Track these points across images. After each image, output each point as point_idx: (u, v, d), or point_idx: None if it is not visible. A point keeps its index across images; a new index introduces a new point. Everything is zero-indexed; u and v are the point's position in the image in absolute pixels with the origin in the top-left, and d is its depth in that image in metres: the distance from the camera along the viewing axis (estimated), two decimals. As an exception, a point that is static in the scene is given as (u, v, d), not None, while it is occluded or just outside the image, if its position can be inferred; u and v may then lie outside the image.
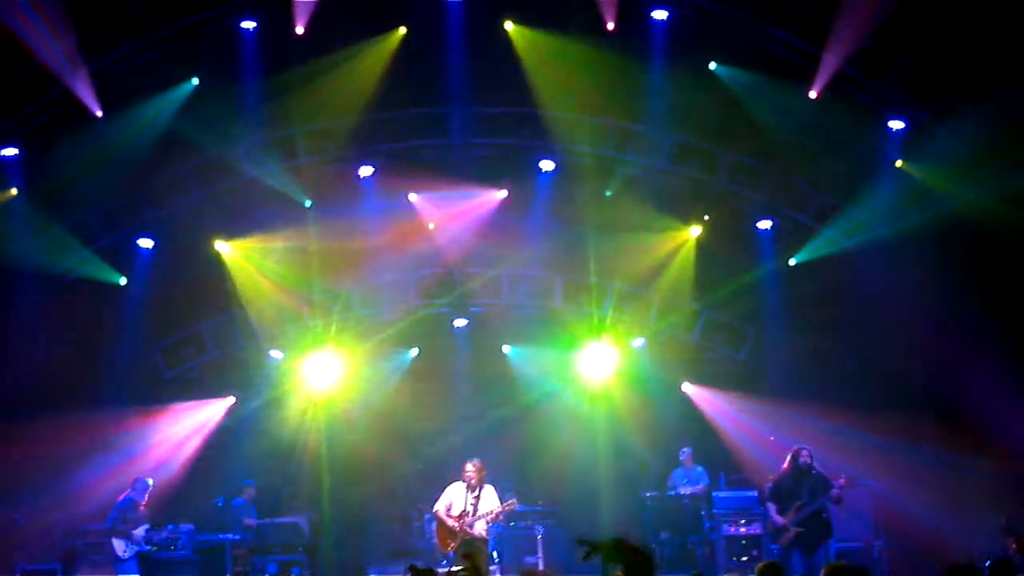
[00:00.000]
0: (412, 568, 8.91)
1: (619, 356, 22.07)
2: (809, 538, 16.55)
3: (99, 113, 18.87)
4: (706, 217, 21.49)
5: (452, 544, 16.34)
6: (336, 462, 21.53)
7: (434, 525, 17.21)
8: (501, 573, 18.00)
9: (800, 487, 16.74)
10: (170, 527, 18.82)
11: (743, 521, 19.29)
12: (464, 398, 21.92)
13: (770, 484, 17.63)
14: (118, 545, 17.69)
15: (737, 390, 21.19)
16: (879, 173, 19.89)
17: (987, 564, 11.03)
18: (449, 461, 18.87)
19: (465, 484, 16.50)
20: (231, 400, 21.62)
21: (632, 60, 19.60)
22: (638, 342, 22.37)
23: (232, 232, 20.97)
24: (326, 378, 21.71)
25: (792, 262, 21.10)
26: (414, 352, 22.44)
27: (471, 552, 15.51)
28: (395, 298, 22.15)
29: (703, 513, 19.78)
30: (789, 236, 21.19)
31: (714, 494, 19.88)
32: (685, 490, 20.18)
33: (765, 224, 21.33)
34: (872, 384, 19.89)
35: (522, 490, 19.65)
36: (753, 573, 10.95)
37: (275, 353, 21.98)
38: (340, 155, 20.94)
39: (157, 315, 20.96)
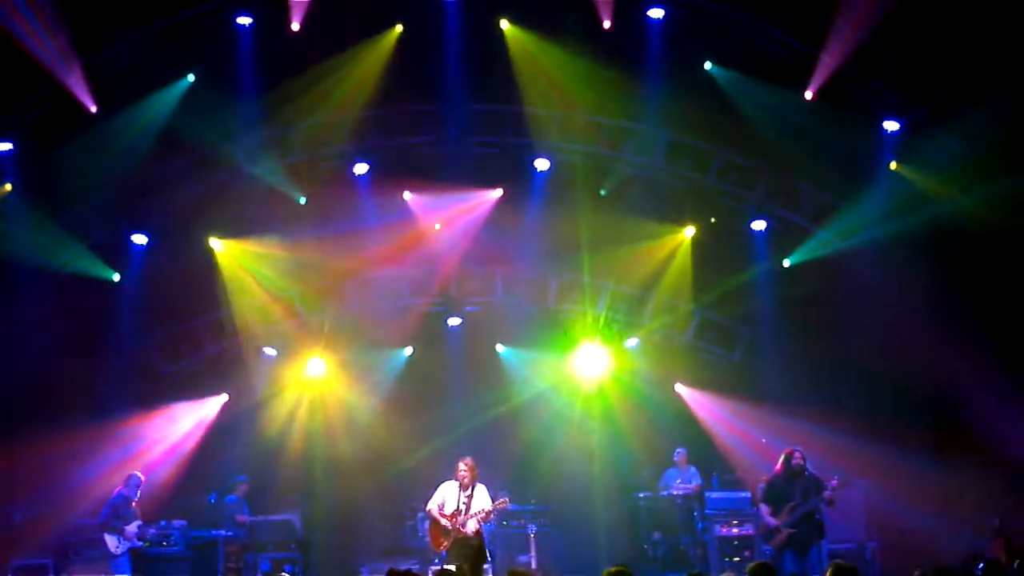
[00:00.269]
0: (391, 572, 8.95)
1: (613, 356, 22.13)
2: (801, 539, 16.58)
3: (94, 109, 18.85)
4: (712, 219, 21.49)
5: (444, 543, 16.31)
6: (329, 460, 21.58)
7: (427, 524, 17.21)
8: (493, 572, 18.01)
9: (793, 488, 16.77)
10: (162, 523, 18.85)
11: (735, 522, 19.32)
12: (457, 397, 21.89)
13: (763, 485, 17.67)
14: (110, 541, 17.64)
15: (730, 391, 21.16)
16: (874, 174, 19.89)
17: (980, 567, 11.09)
18: (442, 460, 18.87)
19: (458, 483, 16.48)
20: (224, 397, 21.57)
21: (627, 59, 19.60)
22: (632, 342, 22.37)
23: (226, 228, 20.96)
24: (319, 376, 21.81)
25: (786, 263, 21.09)
26: (408, 351, 22.41)
27: (467, 553, 15.56)
28: (388, 296, 22.10)
29: (696, 513, 19.78)
30: (783, 237, 21.20)
31: (707, 495, 19.91)
32: (678, 490, 20.18)
33: (759, 225, 21.32)
34: (865, 385, 19.94)
35: (515, 489, 19.68)
36: (745, 574, 10.98)
37: (269, 350, 21.95)
38: (335, 152, 20.95)
39: (151, 312, 20.94)
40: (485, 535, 16.57)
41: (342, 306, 22.05)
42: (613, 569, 9.89)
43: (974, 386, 18.53)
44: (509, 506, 17.33)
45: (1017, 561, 14.22)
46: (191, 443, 21.03)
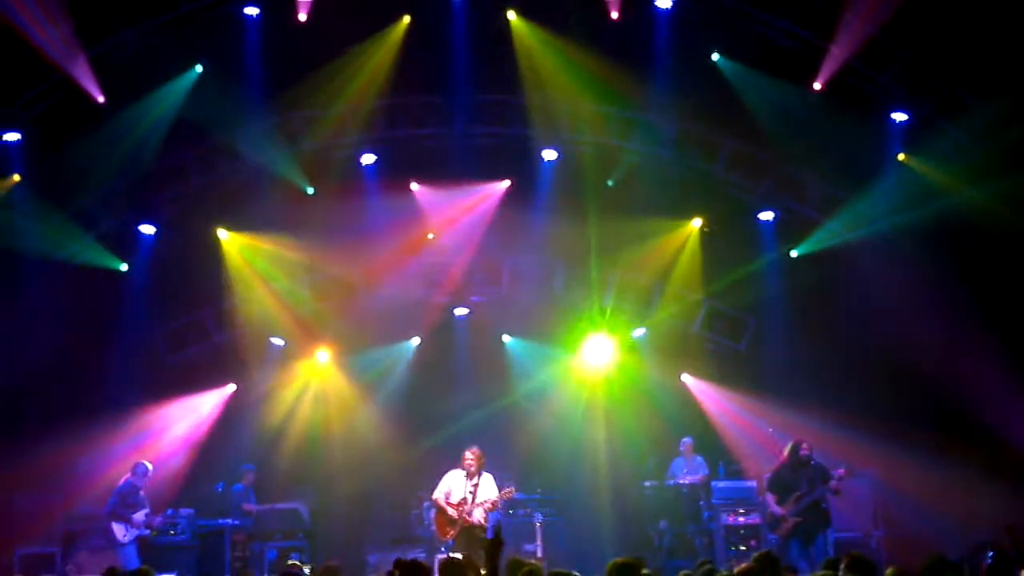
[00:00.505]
0: (397, 562, 8.96)
1: (619, 346, 22.14)
2: (807, 528, 16.66)
3: (101, 99, 18.89)
4: (716, 213, 21.47)
5: (451, 532, 16.39)
6: (335, 449, 21.60)
7: (433, 512, 17.25)
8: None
9: (799, 478, 16.84)
10: (169, 512, 18.87)
11: (742, 511, 19.33)
12: (464, 387, 21.86)
13: (768, 475, 17.72)
14: (118, 529, 17.65)
15: (737, 381, 21.16)
16: (882, 166, 19.89)
17: (990, 555, 11.08)
18: (448, 449, 18.91)
19: (464, 472, 16.56)
20: (232, 387, 21.61)
21: (635, 49, 19.61)
22: (639, 332, 22.36)
23: (234, 219, 20.96)
24: (326, 366, 21.87)
25: (794, 254, 21.07)
26: (415, 341, 22.42)
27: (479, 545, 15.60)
28: (395, 287, 22.11)
29: (702, 503, 19.78)
30: (791, 227, 21.18)
31: (713, 484, 19.90)
32: (684, 479, 20.19)
33: (767, 215, 21.31)
34: (871, 376, 19.91)
35: (521, 478, 19.70)
36: (752, 562, 11.00)
37: (276, 340, 21.97)
38: (343, 143, 20.96)
39: (159, 301, 20.94)
40: (491, 524, 16.61)
41: (349, 296, 22.02)
42: (621, 560, 9.89)
43: (981, 378, 18.51)
44: (515, 495, 17.34)
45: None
46: (199, 433, 21.05)
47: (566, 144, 21.20)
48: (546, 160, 21.25)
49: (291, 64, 19.63)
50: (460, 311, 22.58)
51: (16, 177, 19.28)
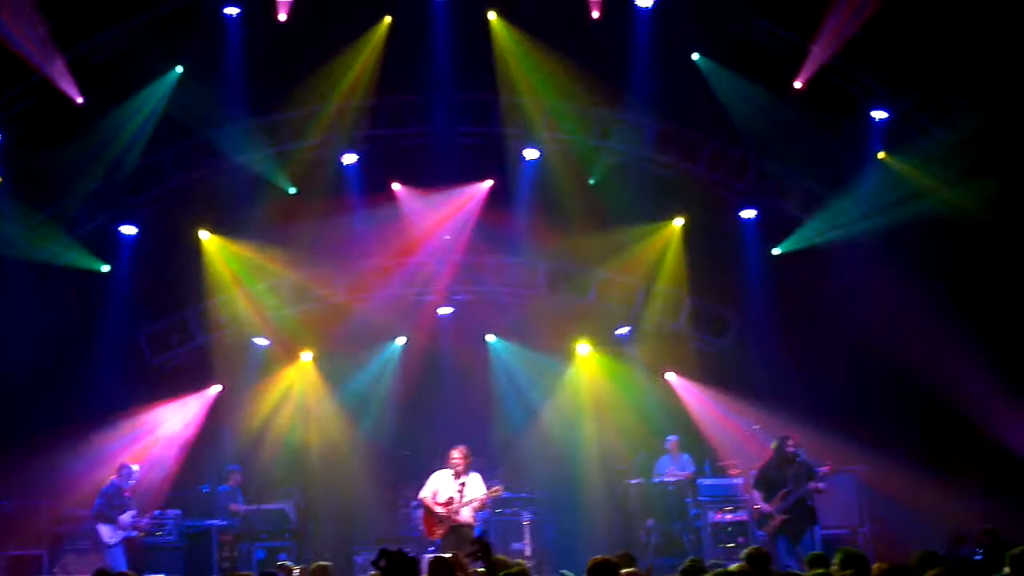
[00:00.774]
0: (383, 552, 8.97)
1: (603, 344, 22.19)
2: (794, 525, 16.73)
3: (79, 100, 18.82)
4: (692, 211, 21.56)
5: (439, 531, 16.39)
6: (322, 449, 21.59)
7: (420, 512, 17.25)
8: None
9: (785, 475, 16.92)
10: (156, 513, 18.81)
11: (729, 508, 19.40)
12: (449, 385, 21.89)
13: (755, 472, 17.81)
14: (104, 531, 17.58)
15: (721, 378, 21.22)
16: (863, 164, 20.01)
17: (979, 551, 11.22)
18: (435, 448, 18.93)
19: (451, 471, 16.56)
20: (217, 388, 21.56)
21: (616, 48, 19.68)
22: (623, 330, 22.43)
23: (216, 219, 20.93)
24: (311, 366, 21.90)
25: (776, 251, 21.17)
26: (401, 341, 22.42)
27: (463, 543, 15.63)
28: (378, 285, 22.12)
29: (688, 500, 19.85)
30: (773, 225, 21.27)
31: (699, 481, 19.96)
32: (670, 477, 20.25)
33: (749, 213, 21.40)
34: (856, 373, 19.98)
35: (509, 477, 19.73)
36: (739, 559, 11.07)
37: (260, 340, 21.93)
38: (325, 142, 20.94)
39: (141, 302, 20.88)
40: (479, 522, 16.64)
41: (332, 296, 21.99)
42: (600, 558, 9.96)
43: (964, 377, 18.62)
44: (503, 494, 17.37)
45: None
46: (184, 434, 20.99)
47: (547, 143, 21.23)
48: (528, 159, 21.26)
49: (272, 64, 19.63)
50: (444, 310, 22.56)
51: (-2, 178, 19.20)
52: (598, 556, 10.07)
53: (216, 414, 21.43)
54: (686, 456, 20.69)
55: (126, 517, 17.72)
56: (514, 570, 10.14)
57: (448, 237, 21.77)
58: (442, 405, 21.57)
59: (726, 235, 21.50)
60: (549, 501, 20.69)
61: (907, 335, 18.92)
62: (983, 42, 18.17)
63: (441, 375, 22.03)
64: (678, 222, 21.55)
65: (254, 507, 20.00)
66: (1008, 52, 18.19)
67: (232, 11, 19.48)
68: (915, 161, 19.58)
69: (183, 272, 20.98)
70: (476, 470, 16.77)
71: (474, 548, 10.01)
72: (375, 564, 8.94)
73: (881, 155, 19.90)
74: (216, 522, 19.56)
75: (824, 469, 16.94)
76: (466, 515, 16.39)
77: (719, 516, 19.36)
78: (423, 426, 21.30)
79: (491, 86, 20.45)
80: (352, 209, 21.38)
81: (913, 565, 10.09)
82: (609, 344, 22.34)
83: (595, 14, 19.52)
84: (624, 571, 10.60)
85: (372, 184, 21.27)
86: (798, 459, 17.00)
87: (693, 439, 21.18)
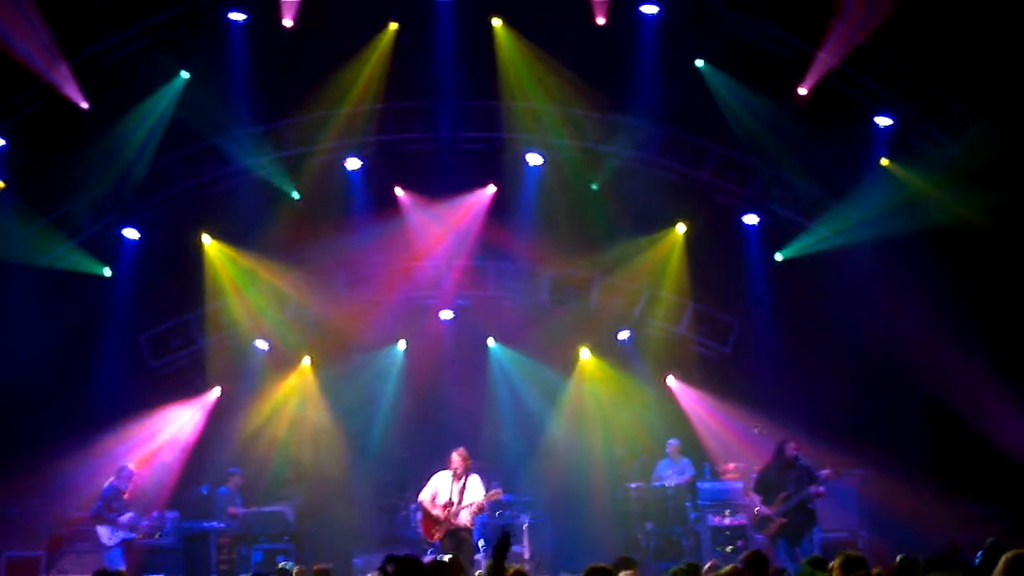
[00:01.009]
0: (389, 557, 8.94)
1: (605, 348, 22.16)
2: (794, 528, 16.70)
3: (85, 106, 18.85)
4: (695, 216, 21.54)
5: (438, 534, 16.39)
6: (321, 451, 21.55)
7: (419, 514, 17.23)
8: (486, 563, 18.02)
9: (785, 478, 16.90)
10: (155, 515, 18.86)
11: (728, 512, 19.37)
12: (449, 389, 21.86)
13: (755, 475, 17.79)
14: (103, 532, 17.59)
15: (722, 383, 21.21)
16: (867, 170, 19.99)
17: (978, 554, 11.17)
18: (434, 450, 18.93)
19: (451, 473, 16.56)
20: (217, 391, 21.56)
21: (621, 54, 19.69)
22: (624, 334, 22.40)
23: (218, 223, 20.92)
24: (311, 369, 21.92)
25: (779, 257, 21.14)
26: (402, 345, 22.41)
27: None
28: (380, 290, 22.12)
29: (688, 504, 19.80)
30: (776, 231, 21.24)
31: (699, 485, 19.93)
32: (670, 481, 20.21)
33: (752, 219, 21.37)
34: (857, 378, 19.96)
35: (508, 480, 19.72)
36: (739, 563, 11.02)
37: (260, 344, 21.93)
38: (329, 148, 20.95)
39: (143, 306, 20.86)
40: (477, 526, 16.62)
41: (334, 301, 21.99)
42: (597, 566, 9.93)
43: (968, 383, 18.61)
44: (502, 496, 17.37)
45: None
46: (185, 437, 21.01)
47: (551, 149, 21.22)
48: (531, 165, 21.25)
49: (278, 70, 19.65)
50: (445, 314, 22.55)
51: (1, 184, 19.18)
52: (595, 564, 10.01)
53: (216, 417, 21.41)
54: (686, 460, 20.65)
55: (125, 519, 17.73)
56: (510, 572, 10.10)
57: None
58: (442, 409, 21.56)
59: (729, 240, 21.49)
60: (548, 504, 20.66)
61: (909, 343, 18.88)
62: (989, 49, 18.13)
63: (442, 379, 21.97)
64: (681, 228, 21.52)
65: (253, 509, 19.99)
66: (1014, 60, 18.15)
67: (238, 17, 19.47)
68: (919, 168, 19.54)
69: (185, 276, 20.99)
70: (476, 473, 16.76)
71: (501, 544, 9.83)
72: (382, 571, 8.93)
73: (884, 162, 19.85)
74: (215, 524, 19.55)
75: (825, 473, 16.90)
76: (465, 518, 16.38)
77: (718, 520, 19.34)
78: (423, 429, 21.30)
79: (495, 92, 20.44)
80: (355, 214, 21.33)
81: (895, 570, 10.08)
82: (611, 349, 22.30)
83: (600, 20, 19.50)
84: (622, 574, 10.59)
85: (376, 189, 21.27)
86: (798, 463, 16.96)
87: (693, 443, 21.13)
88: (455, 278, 22.17)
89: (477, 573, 13.66)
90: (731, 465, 20.22)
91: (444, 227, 21.70)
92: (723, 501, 19.53)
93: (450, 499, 16.40)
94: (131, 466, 18.31)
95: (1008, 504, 18.03)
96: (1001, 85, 18.43)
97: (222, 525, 19.62)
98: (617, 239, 21.43)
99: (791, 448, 16.98)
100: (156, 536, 18.92)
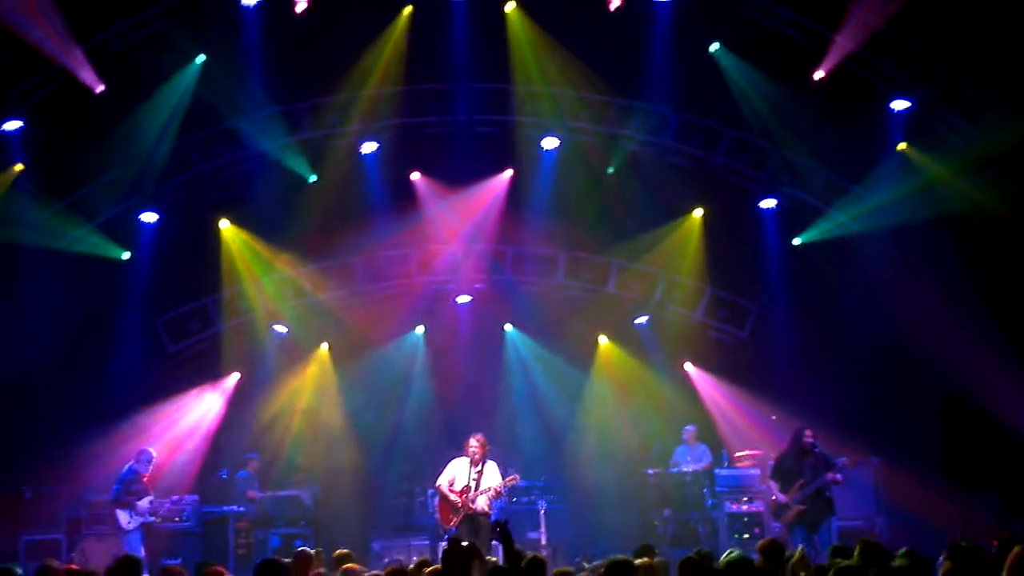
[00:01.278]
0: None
1: (623, 333, 22.15)
2: (811, 516, 16.69)
3: (100, 89, 18.84)
4: (712, 201, 21.49)
5: (454, 519, 16.41)
6: (339, 436, 21.60)
7: (436, 500, 17.27)
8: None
9: (802, 466, 16.89)
10: (174, 498, 18.90)
11: (745, 499, 19.39)
12: (466, 374, 21.89)
13: (772, 462, 17.78)
14: (122, 516, 17.66)
15: (739, 368, 21.20)
16: (884, 155, 19.90)
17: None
18: (452, 436, 18.94)
19: (468, 459, 16.58)
20: (237, 376, 21.61)
21: (636, 37, 19.62)
22: (641, 320, 22.38)
23: (236, 205, 20.93)
24: (330, 353, 21.94)
25: (797, 241, 21.08)
26: (420, 330, 22.41)
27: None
28: (398, 274, 22.13)
29: (705, 490, 19.82)
30: (793, 216, 21.18)
31: (716, 472, 19.95)
32: (687, 467, 20.22)
33: (769, 203, 21.31)
34: (875, 364, 19.94)
35: (525, 465, 19.74)
36: (755, 550, 11.04)
37: (279, 328, 21.96)
38: (345, 131, 20.93)
39: (161, 289, 20.88)
40: (495, 511, 16.65)
41: (352, 285, 22.00)
42: (620, 558, 9.93)
43: (985, 369, 18.55)
44: (519, 482, 17.39)
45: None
46: (206, 423, 21.08)
47: (567, 132, 21.17)
48: (547, 149, 21.22)
49: (294, 53, 19.60)
50: (463, 299, 22.54)
51: (19, 167, 19.21)
52: (616, 556, 10.00)
53: (234, 401, 21.47)
54: (703, 446, 20.67)
55: (144, 503, 17.79)
56: (527, 558, 10.13)
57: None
58: (459, 394, 21.56)
59: (746, 225, 21.45)
60: (566, 490, 20.73)
61: (926, 330, 18.80)
62: (1008, 34, 18.01)
63: (459, 364, 22.00)
64: (698, 212, 21.47)
65: (271, 494, 20.08)
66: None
67: (250, 1, 19.42)
68: (936, 154, 19.45)
69: (203, 259, 21.03)
70: (493, 459, 16.78)
71: (494, 534, 9.90)
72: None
73: (902, 146, 19.76)
74: (233, 508, 19.67)
75: (842, 461, 16.89)
76: (482, 503, 16.42)
77: (735, 507, 19.36)
78: (440, 415, 21.32)
79: (510, 76, 20.39)
80: (373, 199, 21.32)
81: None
82: (628, 334, 22.29)
83: (615, 3, 19.43)
84: (638, 561, 10.58)
85: (392, 174, 21.24)
86: (815, 450, 16.95)
87: (710, 430, 21.14)
88: (472, 263, 22.12)
89: (494, 560, 13.66)
90: (743, 452, 20.19)
91: (462, 214, 21.67)
92: (740, 488, 19.57)
93: (467, 484, 16.42)
94: (151, 450, 18.35)
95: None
96: (1020, 71, 18.31)
97: (240, 509, 19.74)
98: (634, 224, 21.35)
99: (807, 436, 16.96)
100: (175, 520, 18.97)
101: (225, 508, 19.67)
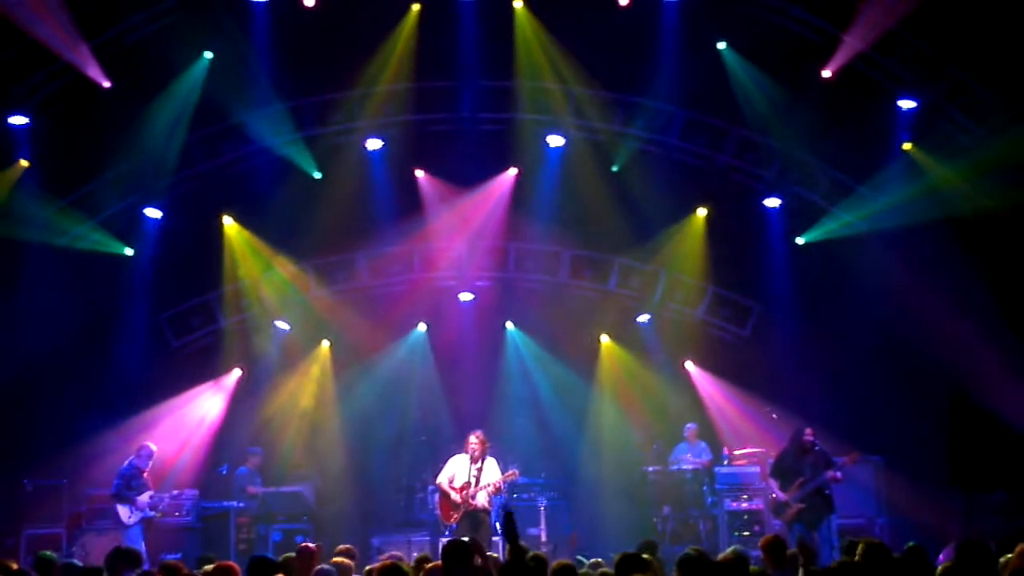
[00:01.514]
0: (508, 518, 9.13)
1: (624, 331, 22.14)
2: (811, 514, 16.68)
3: (107, 85, 18.88)
4: (715, 199, 21.47)
5: (455, 516, 16.44)
6: (340, 432, 21.60)
7: (437, 497, 17.28)
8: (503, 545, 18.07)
9: (802, 464, 16.89)
10: (174, 493, 18.92)
11: (745, 496, 19.36)
12: (468, 371, 21.87)
13: (772, 460, 17.78)
14: (123, 511, 17.68)
15: (741, 367, 21.15)
16: (890, 154, 19.88)
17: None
18: (452, 433, 18.94)
19: (468, 456, 16.60)
20: (238, 372, 21.63)
21: (643, 35, 19.63)
22: (643, 318, 22.37)
23: (240, 202, 20.95)
24: (331, 350, 21.93)
25: (800, 241, 21.06)
26: (423, 327, 22.41)
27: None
28: (400, 271, 22.14)
29: (705, 488, 19.80)
30: (797, 215, 21.15)
31: (716, 469, 19.91)
32: (688, 465, 20.20)
33: (773, 202, 21.28)
34: (877, 363, 19.91)
35: (525, 462, 19.72)
36: (756, 548, 11.04)
37: (281, 324, 21.98)
38: (350, 128, 20.95)
39: (164, 285, 20.91)
40: (495, 508, 16.66)
41: (354, 282, 22.02)
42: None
43: (989, 368, 18.55)
44: (519, 479, 17.41)
45: None
46: (209, 419, 21.10)
47: (572, 130, 21.16)
48: (552, 146, 21.21)
49: (300, 49, 19.63)
50: (465, 296, 22.54)
51: (24, 163, 19.26)
52: (626, 552, 10.02)
53: (236, 397, 21.49)
54: (703, 444, 20.64)
55: (144, 498, 17.81)
56: (529, 557, 10.16)
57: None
58: (460, 391, 21.56)
59: (750, 224, 21.42)
60: (565, 487, 20.71)
61: (929, 331, 18.79)
62: (1016, 32, 17.98)
63: (461, 361, 21.98)
64: (701, 210, 21.44)
65: (272, 489, 20.08)
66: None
67: (258, -6, 19.48)
68: (941, 154, 19.41)
69: (207, 255, 21.03)
70: (493, 455, 16.79)
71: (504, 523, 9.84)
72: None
73: (907, 146, 19.73)
74: (234, 504, 19.69)
75: (843, 459, 16.87)
76: (482, 500, 16.44)
77: (735, 504, 19.33)
78: (441, 411, 21.33)
79: (516, 73, 20.39)
80: (376, 196, 21.33)
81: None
82: (629, 332, 22.28)
83: (623, 1, 19.44)
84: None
85: (398, 171, 21.25)
86: (816, 448, 16.94)
87: (710, 429, 21.12)
88: (476, 261, 22.14)
89: (497, 557, 13.67)
90: (738, 451, 20.16)
91: (466, 211, 21.66)
92: (740, 486, 19.50)
93: (467, 481, 16.45)
94: (151, 445, 18.37)
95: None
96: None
97: (241, 504, 19.74)
98: (638, 222, 21.32)
99: (808, 434, 16.96)
100: (176, 515, 18.99)
101: (225, 503, 19.70)
